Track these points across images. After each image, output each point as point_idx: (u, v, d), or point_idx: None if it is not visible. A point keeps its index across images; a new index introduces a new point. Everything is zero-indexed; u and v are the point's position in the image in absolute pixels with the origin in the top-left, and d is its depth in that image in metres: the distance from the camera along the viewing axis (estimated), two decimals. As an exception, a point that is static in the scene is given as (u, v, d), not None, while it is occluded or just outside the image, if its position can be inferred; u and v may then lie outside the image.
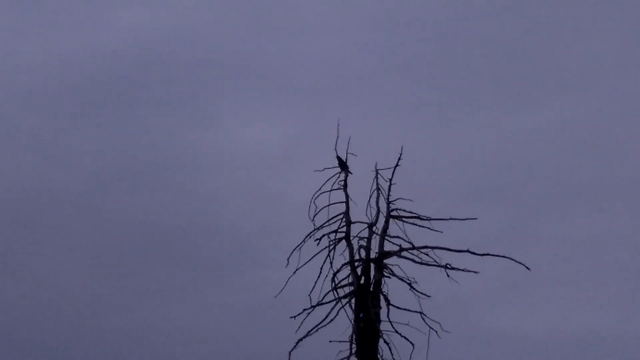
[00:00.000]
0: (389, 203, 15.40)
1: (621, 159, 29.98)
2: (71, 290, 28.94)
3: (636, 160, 29.85)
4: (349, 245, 15.13)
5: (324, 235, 15.26)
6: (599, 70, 32.56)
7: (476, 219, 14.88)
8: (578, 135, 30.79)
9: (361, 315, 14.48)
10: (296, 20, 35.15)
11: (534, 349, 23.66)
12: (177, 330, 27.02)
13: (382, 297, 14.66)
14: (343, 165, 15.90)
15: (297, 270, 15.03)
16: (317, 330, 14.49)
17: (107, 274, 29.49)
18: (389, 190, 15.53)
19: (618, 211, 28.04)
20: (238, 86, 34.06)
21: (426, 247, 14.69)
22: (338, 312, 14.55)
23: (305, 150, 27.94)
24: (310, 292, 14.79)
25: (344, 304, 14.58)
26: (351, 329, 14.42)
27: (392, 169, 15.62)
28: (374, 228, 15.21)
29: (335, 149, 15.92)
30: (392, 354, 14.46)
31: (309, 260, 15.10)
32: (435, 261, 14.62)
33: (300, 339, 14.49)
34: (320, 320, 14.53)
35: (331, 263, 15.02)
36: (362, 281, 14.76)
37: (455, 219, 14.88)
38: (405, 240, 14.94)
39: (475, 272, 14.43)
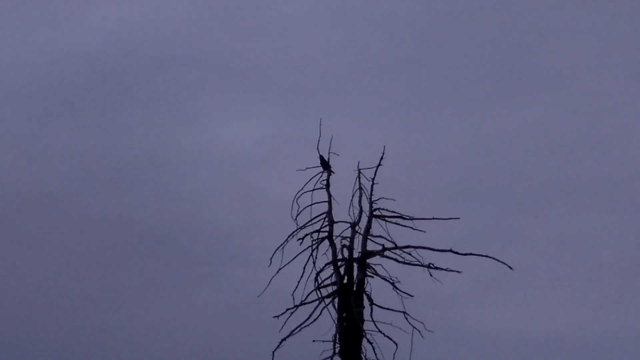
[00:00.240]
0: (371, 203, 15.41)
1: (604, 157, 30.07)
2: (53, 289, 28.81)
3: (620, 158, 29.95)
4: (332, 244, 15.13)
5: (306, 235, 15.27)
6: (580, 68, 32.66)
7: (459, 218, 14.92)
8: (562, 133, 30.88)
9: (344, 314, 14.49)
10: (278, 18, 35.10)
11: (517, 348, 23.71)
12: (159, 329, 26.94)
13: (365, 297, 14.67)
14: (325, 164, 15.88)
15: (280, 269, 15.03)
16: (300, 329, 14.49)
17: (90, 273, 29.36)
18: (372, 189, 15.54)
19: (602, 210, 28.12)
20: (220, 84, 33.98)
21: (409, 246, 14.71)
22: (321, 312, 14.56)
23: (287, 149, 27.90)
24: (294, 291, 14.80)
25: (327, 303, 14.58)
26: (334, 329, 14.42)
27: (375, 169, 15.64)
28: (357, 228, 15.22)
29: (318, 149, 15.91)
30: (375, 354, 14.47)
31: (292, 259, 15.11)
32: (418, 261, 14.64)
33: (284, 339, 14.49)
34: (304, 319, 14.53)
35: (314, 263, 15.02)
36: (345, 281, 14.76)
37: (438, 219, 14.91)
38: (388, 240, 14.97)
39: (458, 271, 14.46)
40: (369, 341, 14.49)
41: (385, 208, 15.31)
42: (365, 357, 14.40)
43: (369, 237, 15.05)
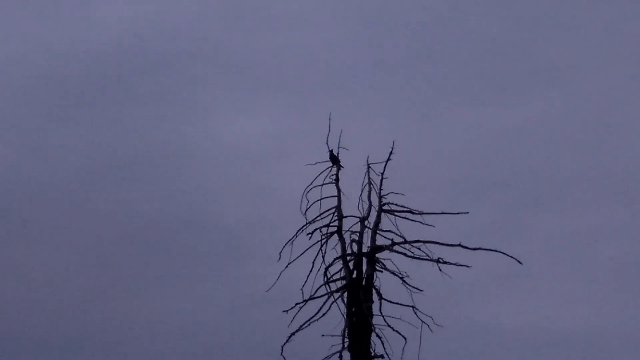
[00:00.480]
0: (380, 197, 15.39)
1: (611, 153, 30.05)
2: (58, 284, 28.88)
3: (625, 154, 29.92)
4: (341, 239, 15.12)
5: (316, 230, 15.25)
6: (586, 63, 32.63)
7: (468, 213, 14.88)
8: (569, 128, 30.85)
9: (353, 309, 14.49)
10: (285, 13, 35.11)
11: (526, 343, 23.70)
12: (168, 325, 26.99)
13: (374, 291, 14.66)
14: (335, 159, 15.87)
15: (289, 264, 15.03)
16: (309, 324, 14.49)
17: (96, 269, 29.43)
18: (381, 184, 15.51)
19: (610, 205, 28.11)
20: (227, 80, 34.01)
21: (418, 241, 14.69)
22: (330, 306, 14.55)
23: (296, 144, 27.92)
24: (303, 286, 14.79)
25: (336, 298, 14.57)
26: (343, 323, 14.41)
27: (384, 163, 15.60)
28: (366, 222, 15.20)
29: (327, 143, 15.90)
30: (384, 348, 14.46)
31: (301, 254, 15.09)
32: (428, 255, 14.62)
33: (293, 333, 14.49)
34: (313, 314, 14.53)
35: (323, 257, 15.01)
36: (354, 275, 14.74)
37: (447, 213, 14.89)
38: (397, 235, 14.95)
39: (467, 266, 14.45)
40: (377, 336, 14.48)
41: (394, 203, 15.30)
42: (374, 351, 14.39)
43: (378, 231, 15.04)
